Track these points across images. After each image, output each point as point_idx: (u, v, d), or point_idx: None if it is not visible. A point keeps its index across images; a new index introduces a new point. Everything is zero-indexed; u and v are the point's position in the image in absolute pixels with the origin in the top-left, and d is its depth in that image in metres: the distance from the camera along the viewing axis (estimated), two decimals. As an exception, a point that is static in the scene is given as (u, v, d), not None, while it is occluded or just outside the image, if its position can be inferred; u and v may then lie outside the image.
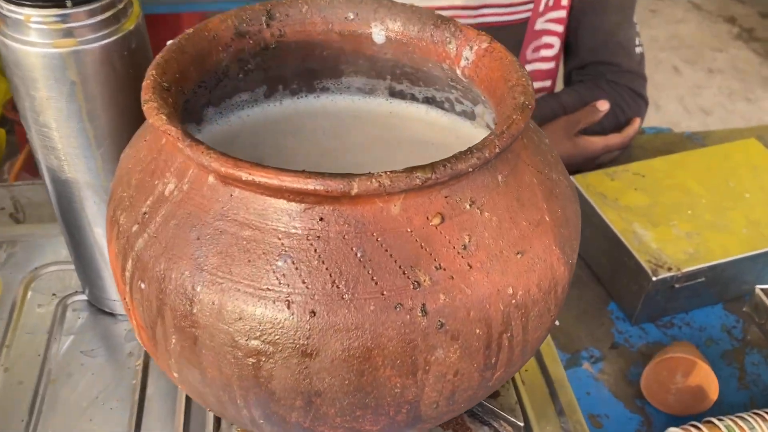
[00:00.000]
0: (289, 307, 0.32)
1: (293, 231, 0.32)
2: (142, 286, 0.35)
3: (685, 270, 0.71)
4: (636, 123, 0.96)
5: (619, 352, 0.75)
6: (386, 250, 0.32)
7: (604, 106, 0.91)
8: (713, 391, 0.66)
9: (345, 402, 0.34)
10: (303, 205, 0.32)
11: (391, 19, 0.46)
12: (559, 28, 0.99)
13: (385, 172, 0.30)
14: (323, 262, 0.32)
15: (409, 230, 0.32)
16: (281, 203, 0.32)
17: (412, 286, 0.32)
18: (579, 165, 0.90)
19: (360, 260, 0.32)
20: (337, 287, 0.32)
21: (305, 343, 0.32)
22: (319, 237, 0.32)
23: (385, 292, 0.32)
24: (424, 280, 0.32)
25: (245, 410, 0.36)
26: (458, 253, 0.33)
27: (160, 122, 0.33)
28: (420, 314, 0.32)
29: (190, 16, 1.67)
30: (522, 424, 0.48)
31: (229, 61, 0.44)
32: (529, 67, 1.02)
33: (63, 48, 0.40)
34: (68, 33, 0.40)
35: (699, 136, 1.04)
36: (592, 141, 0.91)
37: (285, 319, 0.32)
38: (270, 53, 0.46)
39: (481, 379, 0.36)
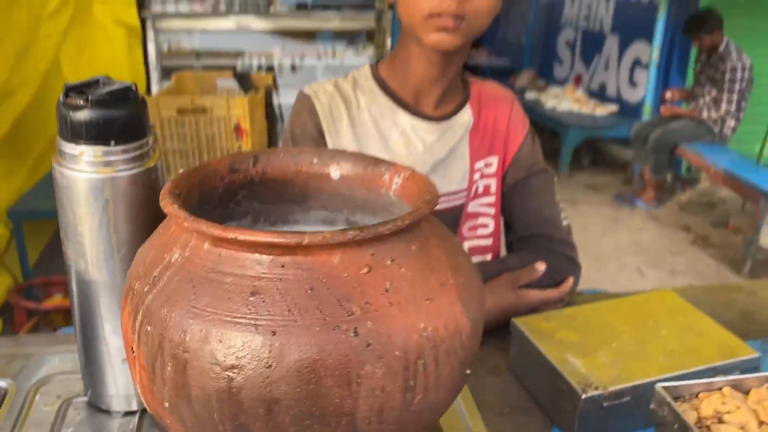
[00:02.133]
0: (256, 329, 0.44)
1: (262, 275, 0.45)
2: (149, 328, 0.47)
3: (611, 389, 0.81)
4: (570, 281, 1.11)
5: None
6: (328, 289, 0.45)
7: (541, 266, 1.07)
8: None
9: (297, 410, 0.44)
10: (270, 256, 0.45)
11: (345, 162, 0.63)
12: (492, 211, 1.16)
13: (328, 231, 0.45)
14: (283, 297, 0.44)
15: (345, 275, 0.46)
16: (255, 256, 0.45)
17: (347, 314, 0.45)
18: (520, 315, 1.03)
19: (309, 295, 0.45)
20: (292, 314, 0.44)
21: (267, 356, 0.43)
22: (280, 279, 0.45)
23: (327, 318, 0.44)
24: (356, 311, 0.45)
25: (220, 425, 0.45)
26: (381, 294, 0.46)
27: (172, 209, 0.48)
28: (353, 335, 0.44)
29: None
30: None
31: (224, 189, 0.60)
32: (467, 243, 1.17)
33: (103, 174, 0.56)
34: (108, 164, 0.56)
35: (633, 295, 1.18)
36: (531, 294, 1.06)
37: (252, 339, 0.44)
38: (255, 186, 0.62)
39: (404, 400, 0.47)
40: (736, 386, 0.72)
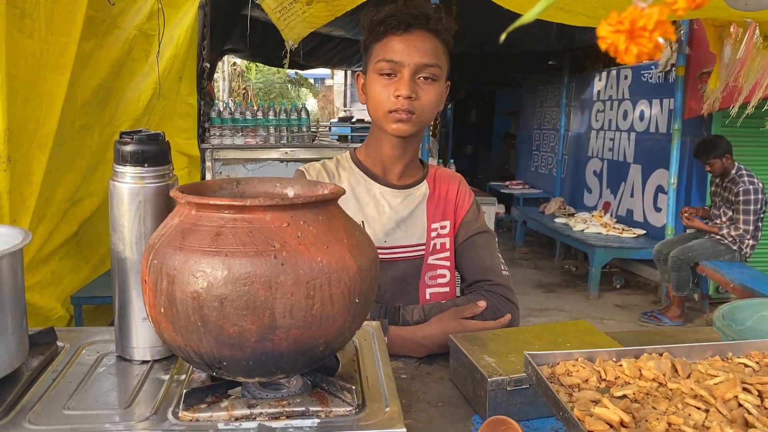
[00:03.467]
0: (216, 254, 0.73)
1: (223, 225, 0.75)
2: (155, 261, 0.77)
3: (513, 376, 1.04)
4: (507, 317, 1.36)
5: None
6: (262, 233, 0.75)
7: (482, 303, 1.34)
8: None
9: (237, 304, 0.73)
10: (228, 214, 0.76)
11: (297, 185, 0.94)
12: (447, 263, 1.46)
13: (263, 199, 0.75)
14: (234, 237, 0.74)
15: (272, 226, 0.76)
16: (219, 214, 0.76)
17: (271, 247, 0.74)
18: None
19: (250, 237, 0.74)
20: (239, 246, 0.74)
21: (221, 269, 0.73)
22: (234, 227, 0.75)
23: (259, 248, 0.74)
24: (277, 246, 0.74)
25: (192, 316, 0.74)
26: (295, 238, 0.76)
27: (175, 193, 0.80)
28: (274, 258, 0.73)
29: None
30: (354, 387, 0.81)
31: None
32: (428, 290, 1.45)
33: (138, 185, 0.89)
34: (142, 178, 0.89)
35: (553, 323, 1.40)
36: (472, 323, 1.31)
37: (213, 260, 0.73)
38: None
39: (307, 304, 0.74)
40: (589, 358, 0.95)
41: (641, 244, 5.65)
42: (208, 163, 4.86)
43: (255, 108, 4.90)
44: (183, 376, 0.91)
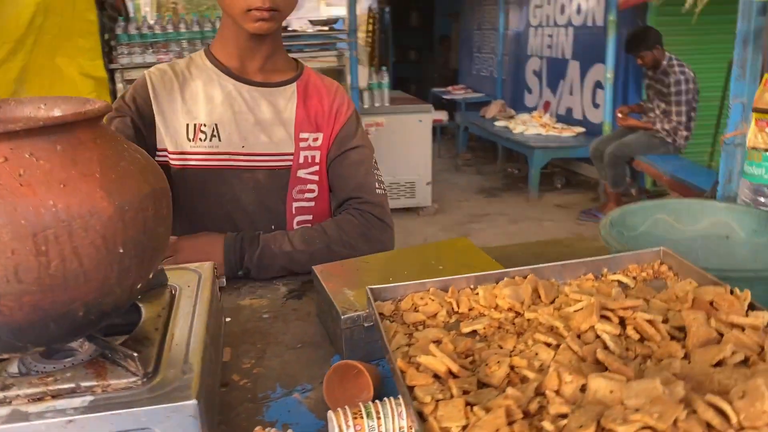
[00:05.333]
0: None
1: None
2: None
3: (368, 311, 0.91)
4: None
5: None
6: (-35, 173, 0.57)
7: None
8: (369, 388, 0.80)
9: (-62, 269, 0.55)
10: None
11: (64, 104, 0.75)
12: (316, 178, 1.31)
13: (-39, 127, 0.56)
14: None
15: (-18, 164, 0.57)
16: None
17: (-22, 192, 0.56)
18: None
19: (-52, 178, 0.56)
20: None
21: None
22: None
23: (-40, 194, 0.56)
24: (-14, 189, 0.56)
25: None
26: (14, 178, 0.57)
27: None
28: (-19, 207, 0.55)
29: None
30: (139, 353, 0.66)
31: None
32: (295, 204, 1.31)
33: None
34: None
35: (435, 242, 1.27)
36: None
37: None
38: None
39: (39, 264, 0.58)
40: (443, 288, 0.82)
41: (580, 142, 5.56)
42: (120, 85, 4.51)
43: (177, 21, 4.51)
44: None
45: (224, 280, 0.96)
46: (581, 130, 5.81)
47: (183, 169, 1.23)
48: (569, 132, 5.81)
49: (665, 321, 0.70)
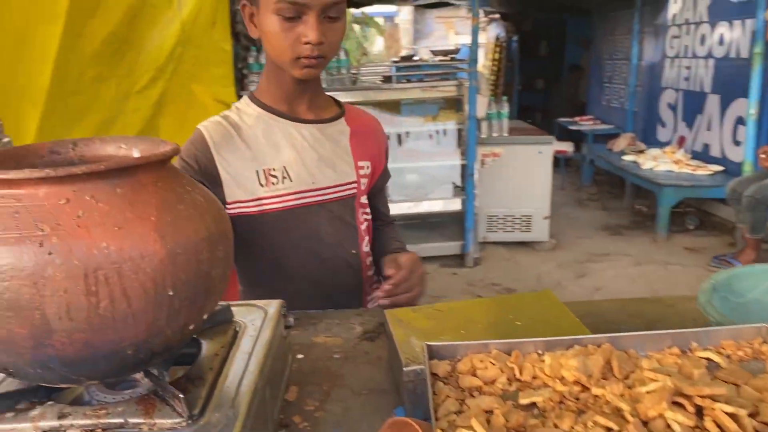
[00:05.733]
0: (-26, 241, 0.59)
1: (-12, 203, 0.61)
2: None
3: (433, 365, 0.86)
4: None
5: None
6: (30, 214, 0.60)
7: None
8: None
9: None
10: (-5, 190, 0.61)
11: (142, 144, 0.78)
12: (366, 200, 1.44)
13: (29, 169, 0.60)
14: (-2, 218, 0.60)
15: (45, 205, 0.60)
16: (-13, 190, 0.61)
17: (39, 231, 0.59)
18: None
19: (13, 218, 0.59)
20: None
21: (-23, 259, 0.58)
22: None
23: (23, 233, 0.59)
24: (45, 230, 0.59)
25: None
26: (73, 219, 0.60)
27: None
28: (39, 246, 0.58)
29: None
30: (185, 395, 0.67)
31: (44, 167, 0.76)
32: (363, 226, 1.40)
33: None
34: None
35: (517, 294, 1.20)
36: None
37: (-29, 247, 0.59)
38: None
39: (89, 304, 0.59)
40: (507, 350, 0.76)
41: (717, 181, 5.15)
42: (250, 110, 4.74)
43: None
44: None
45: (292, 319, 0.95)
46: (719, 168, 5.39)
47: (262, 214, 1.27)
48: (705, 170, 5.40)
49: (754, 414, 0.61)
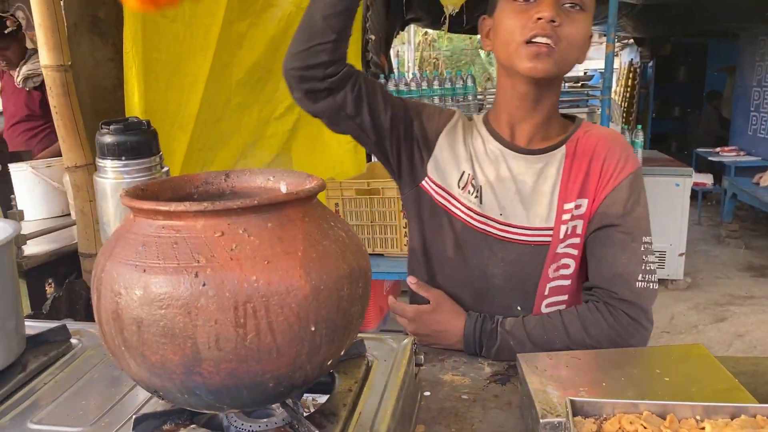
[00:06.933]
0: (135, 269, 0.62)
1: (149, 234, 0.64)
2: (96, 270, 0.68)
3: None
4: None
5: None
6: (187, 245, 0.62)
7: (411, 280, 1.26)
8: None
9: (155, 330, 0.61)
10: (155, 221, 0.64)
11: (289, 178, 0.80)
12: (575, 252, 1.17)
13: (189, 203, 0.62)
14: (157, 248, 0.63)
15: (202, 237, 0.62)
16: (150, 219, 0.65)
17: (195, 262, 0.61)
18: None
19: (172, 248, 0.62)
20: (159, 260, 0.62)
21: (137, 286, 0.61)
22: (159, 236, 0.63)
23: (180, 263, 0.61)
24: (202, 260, 0.61)
25: (116, 338, 0.64)
26: (227, 252, 0.62)
27: (125, 199, 0.70)
28: (195, 277, 0.60)
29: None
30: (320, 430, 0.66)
31: (198, 196, 0.80)
32: (550, 285, 1.19)
33: (118, 180, 0.81)
34: (122, 172, 0.80)
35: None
36: None
37: (131, 275, 0.62)
38: (225, 197, 0.82)
39: (237, 334, 0.61)
40: (660, 413, 0.70)
41: None
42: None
43: (443, 77, 4.73)
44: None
45: (422, 357, 0.93)
46: None
47: (447, 212, 1.23)
48: None
49: None
